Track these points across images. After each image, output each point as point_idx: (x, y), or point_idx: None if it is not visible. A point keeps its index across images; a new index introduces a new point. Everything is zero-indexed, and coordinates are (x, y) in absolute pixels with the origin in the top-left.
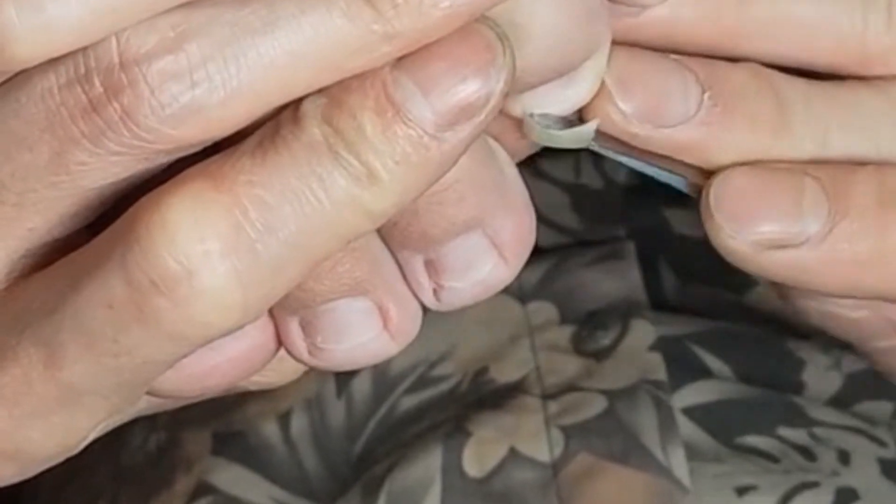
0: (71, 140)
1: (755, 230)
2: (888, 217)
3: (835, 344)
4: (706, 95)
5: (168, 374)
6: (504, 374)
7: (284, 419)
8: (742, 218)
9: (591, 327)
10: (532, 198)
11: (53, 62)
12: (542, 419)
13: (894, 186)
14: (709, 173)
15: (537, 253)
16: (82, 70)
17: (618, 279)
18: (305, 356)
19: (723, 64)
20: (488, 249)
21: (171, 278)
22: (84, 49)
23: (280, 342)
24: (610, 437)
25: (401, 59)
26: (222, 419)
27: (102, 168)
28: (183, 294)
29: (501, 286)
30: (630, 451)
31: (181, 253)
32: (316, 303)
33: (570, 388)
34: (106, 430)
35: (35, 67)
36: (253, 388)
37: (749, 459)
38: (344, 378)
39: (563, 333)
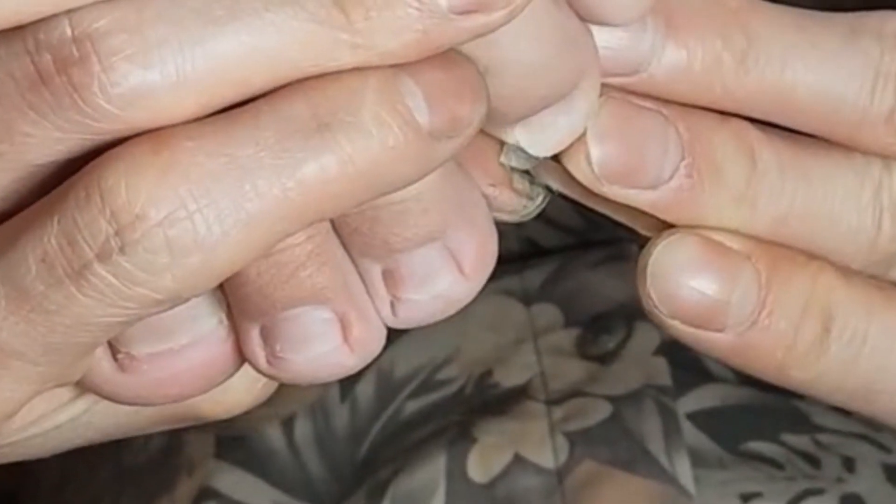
0: (16, 109)
1: (681, 308)
2: (805, 324)
3: None
4: (683, 164)
5: (126, 379)
6: (508, 378)
7: (288, 423)
8: (672, 293)
9: (596, 331)
10: None
11: (3, 33)
12: (547, 425)
13: (825, 297)
14: (666, 225)
15: (541, 254)
16: (31, 42)
17: (622, 281)
18: (264, 365)
19: (709, 122)
20: (448, 263)
21: (103, 241)
22: (37, 22)
23: (241, 356)
24: (615, 443)
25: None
26: (225, 423)
27: (46, 143)
28: (114, 258)
29: (460, 304)
30: (635, 458)
31: (114, 216)
32: (276, 310)
33: (575, 393)
34: (38, 410)
35: None
36: (203, 417)
37: (754, 466)
38: (348, 382)
39: (568, 337)
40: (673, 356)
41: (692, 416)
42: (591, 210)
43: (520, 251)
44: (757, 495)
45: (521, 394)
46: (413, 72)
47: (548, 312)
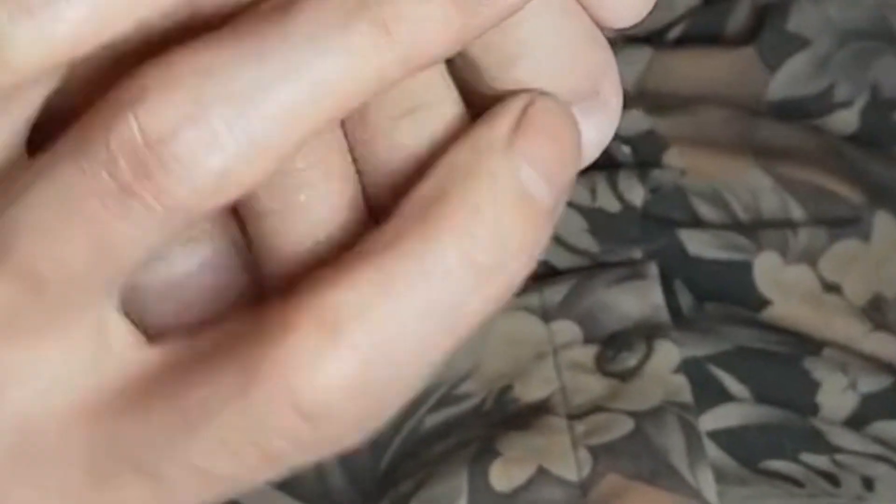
0: (102, 224)
1: None
2: None
3: (851, 363)
4: None
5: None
6: (528, 393)
7: None
8: None
9: (616, 348)
10: None
11: (73, 154)
12: (569, 439)
13: None
14: None
15: (557, 274)
16: (104, 155)
17: (640, 299)
18: None
19: None
20: None
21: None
22: (103, 134)
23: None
24: (638, 457)
25: None
26: None
27: (140, 246)
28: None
29: None
30: (659, 472)
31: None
32: None
33: (596, 408)
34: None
35: (55, 159)
36: None
37: (774, 484)
38: None
39: (587, 353)
40: (690, 375)
41: (712, 435)
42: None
43: (536, 272)
44: None
45: (541, 409)
46: (529, 155)
47: (567, 329)
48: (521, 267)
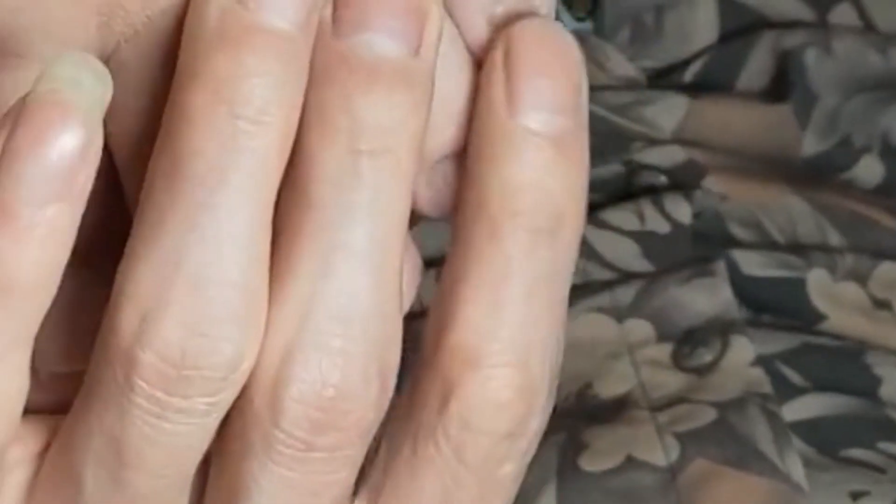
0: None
1: None
2: None
3: None
4: None
5: None
6: (608, 389)
7: None
8: None
9: (692, 345)
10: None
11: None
12: (654, 428)
13: None
14: None
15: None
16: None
17: (711, 296)
18: None
19: None
20: None
21: None
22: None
23: None
24: (724, 443)
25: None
26: None
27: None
28: None
29: None
30: (747, 457)
31: None
32: None
33: (678, 400)
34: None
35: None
36: None
37: (857, 471)
38: None
39: (663, 351)
40: (767, 369)
41: (792, 426)
42: None
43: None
44: (866, 494)
45: (622, 403)
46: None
47: (641, 327)
48: None
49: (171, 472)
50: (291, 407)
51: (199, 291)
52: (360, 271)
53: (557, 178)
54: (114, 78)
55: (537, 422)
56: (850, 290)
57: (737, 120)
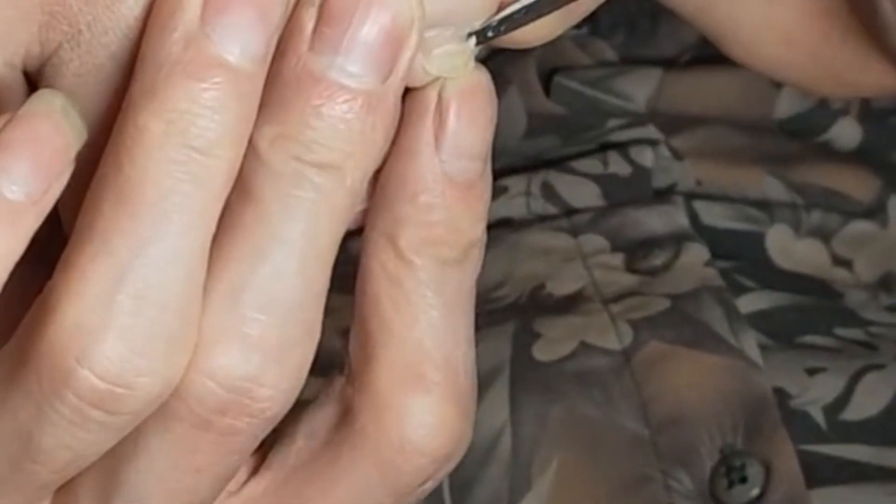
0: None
1: None
2: None
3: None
4: None
5: None
6: (561, 288)
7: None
8: None
9: (646, 250)
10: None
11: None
12: (608, 317)
13: None
14: None
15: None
16: (186, 409)
17: (667, 220)
18: None
19: None
20: None
21: None
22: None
23: None
24: (679, 327)
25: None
26: None
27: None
28: None
29: None
30: (701, 338)
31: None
32: None
33: (631, 293)
34: None
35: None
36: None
37: (813, 352)
38: None
39: (616, 258)
40: (724, 276)
41: (747, 318)
42: None
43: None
44: (822, 370)
45: (575, 298)
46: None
47: (595, 240)
48: None
49: (74, 467)
50: (200, 384)
51: (143, 313)
52: (290, 263)
53: (467, 215)
54: (54, 77)
55: (468, 441)
56: (812, 247)
57: (711, 85)
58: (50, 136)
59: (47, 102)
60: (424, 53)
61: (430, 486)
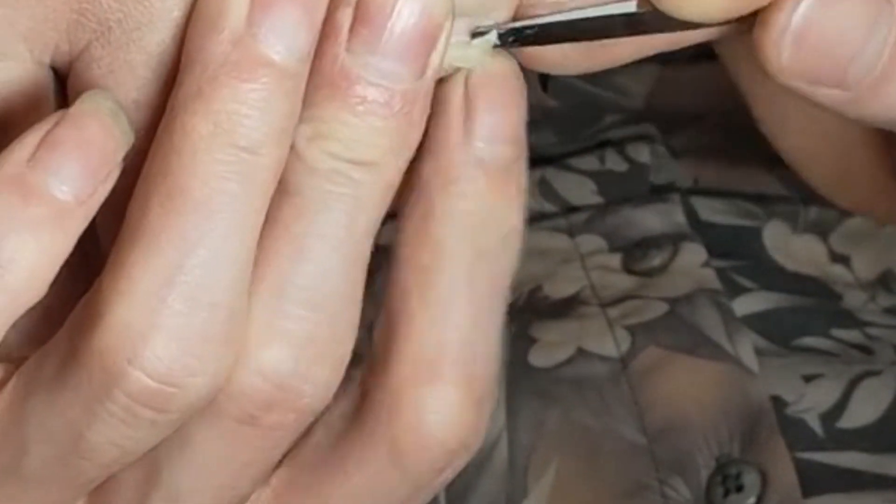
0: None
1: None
2: None
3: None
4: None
5: None
6: (558, 290)
7: None
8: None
9: (643, 250)
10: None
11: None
12: (605, 322)
13: None
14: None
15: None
16: (235, 409)
17: (664, 218)
18: None
19: None
20: None
21: None
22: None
23: None
24: (675, 332)
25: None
26: None
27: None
28: None
29: None
30: (697, 344)
31: None
32: None
33: (629, 296)
34: None
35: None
36: None
37: (810, 356)
38: None
39: (613, 259)
40: (721, 276)
41: (744, 319)
42: None
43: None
44: (819, 376)
45: (572, 301)
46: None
47: (593, 241)
48: None
49: (119, 464)
50: (247, 380)
51: (193, 313)
52: (331, 259)
53: (503, 202)
54: (84, 74)
55: (482, 433)
56: (810, 242)
57: (708, 81)
58: (98, 137)
59: (96, 104)
60: None
61: (445, 477)
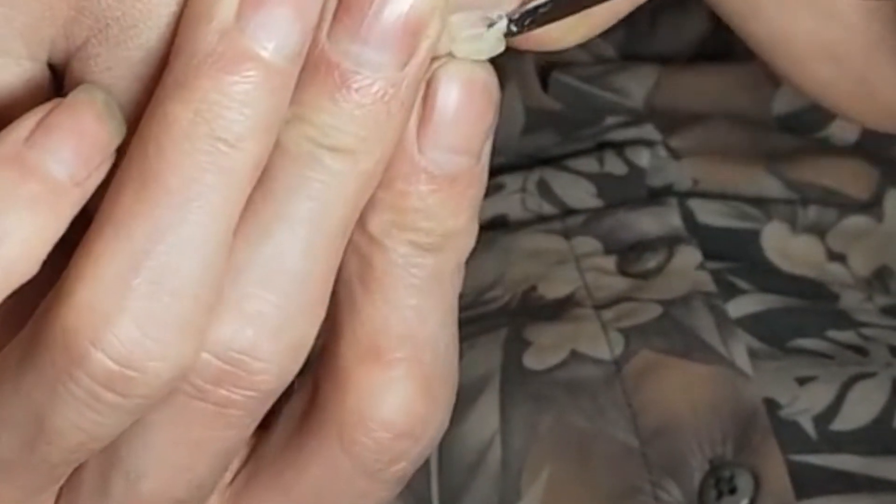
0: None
1: None
2: None
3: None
4: None
5: None
6: (552, 291)
7: None
8: None
9: (638, 252)
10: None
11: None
12: (599, 324)
13: None
14: None
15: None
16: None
17: (660, 220)
18: None
19: None
20: None
21: None
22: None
23: None
24: (669, 335)
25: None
26: None
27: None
28: None
29: None
30: (691, 347)
31: None
32: None
33: (622, 299)
34: None
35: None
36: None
37: (804, 358)
38: None
39: (608, 260)
40: (716, 278)
41: (738, 321)
42: None
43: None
44: (812, 378)
45: (566, 302)
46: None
47: (588, 243)
48: None
49: (86, 450)
50: (199, 356)
51: (157, 297)
52: (293, 243)
53: (445, 207)
54: (82, 70)
55: (438, 425)
56: (808, 243)
57: (709, 82)
58: (92, 126)
59: (91, 95)
60: (451, 37)
61: (401, 469)
